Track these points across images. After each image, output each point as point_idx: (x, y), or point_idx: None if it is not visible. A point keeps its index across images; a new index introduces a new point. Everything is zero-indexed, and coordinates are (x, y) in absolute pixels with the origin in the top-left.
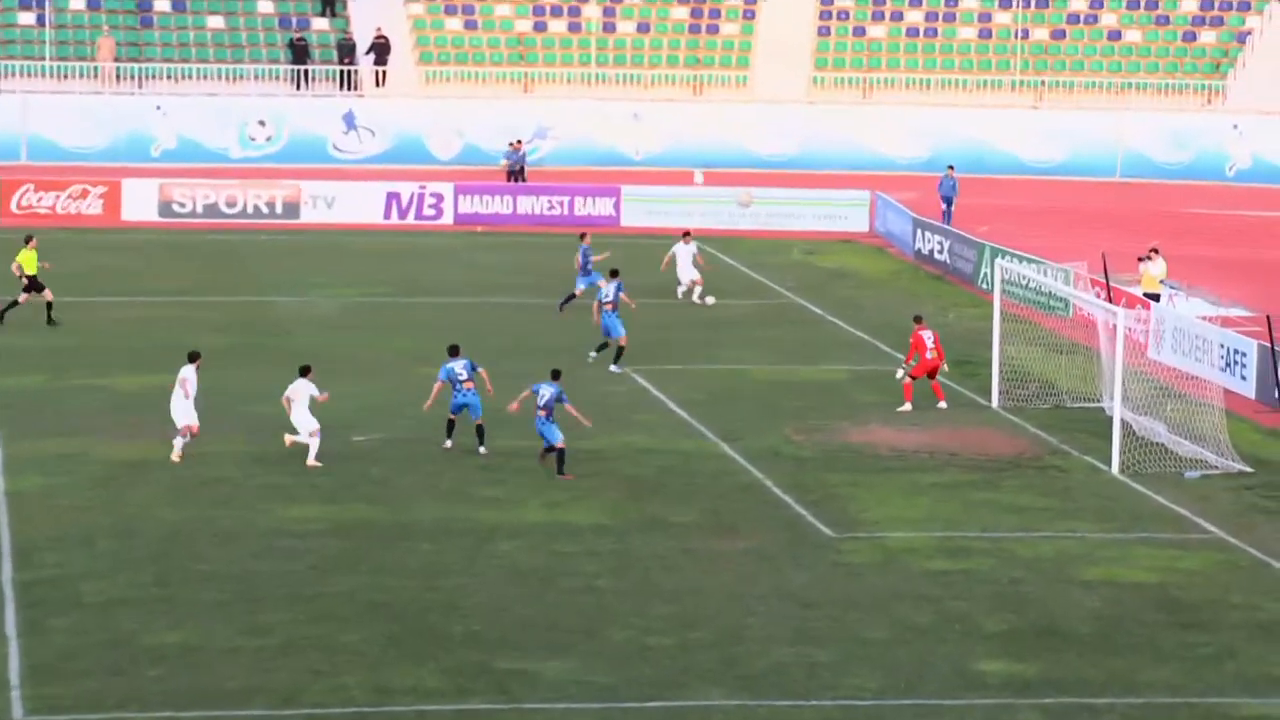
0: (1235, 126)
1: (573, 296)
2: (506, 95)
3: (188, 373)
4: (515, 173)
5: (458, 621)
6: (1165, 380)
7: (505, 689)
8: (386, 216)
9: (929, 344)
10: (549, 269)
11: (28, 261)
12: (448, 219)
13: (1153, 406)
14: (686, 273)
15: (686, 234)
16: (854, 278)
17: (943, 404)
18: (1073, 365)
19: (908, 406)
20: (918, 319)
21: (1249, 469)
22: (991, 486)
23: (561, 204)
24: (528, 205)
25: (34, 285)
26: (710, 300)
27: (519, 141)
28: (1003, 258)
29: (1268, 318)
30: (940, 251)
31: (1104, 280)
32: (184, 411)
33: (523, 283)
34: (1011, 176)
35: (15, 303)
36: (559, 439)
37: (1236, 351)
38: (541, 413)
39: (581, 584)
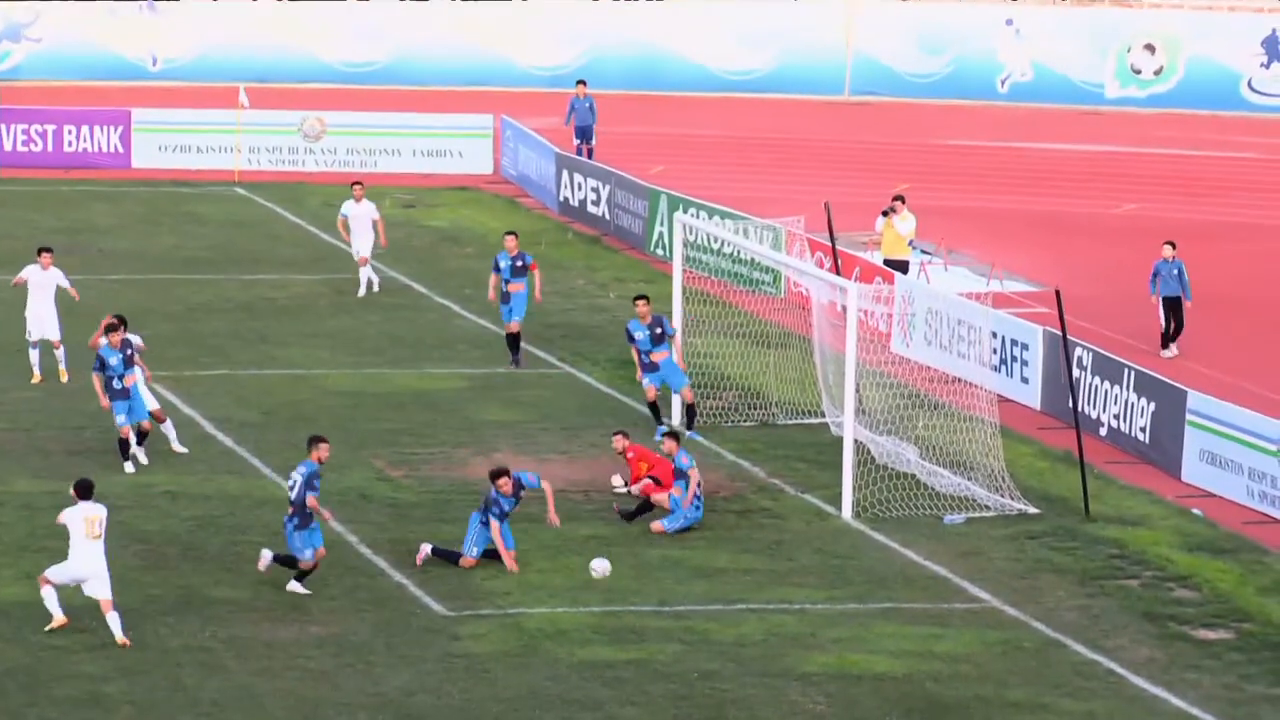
0: (1009, 22)
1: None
2: None
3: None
4: None
5: None
6: (916, 385)
7: None
8: None
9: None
10: (27, 231)
11: None
12: None
13: (899, 422)
14: (363, 241)
15: (357, 184)
16: (473, 240)
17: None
18: (786, 364)
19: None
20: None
21: (1033, 509)
22: (673, 540)
23: (43, 137)
24: None
25: None
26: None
27: None
28: (685, 211)
29: (1057, 293)
30: (596, 203)
31: (828, 243)
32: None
33: None
34: (697, 94)
35: None
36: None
37: (1015, 343)
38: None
39: (81, 691)
